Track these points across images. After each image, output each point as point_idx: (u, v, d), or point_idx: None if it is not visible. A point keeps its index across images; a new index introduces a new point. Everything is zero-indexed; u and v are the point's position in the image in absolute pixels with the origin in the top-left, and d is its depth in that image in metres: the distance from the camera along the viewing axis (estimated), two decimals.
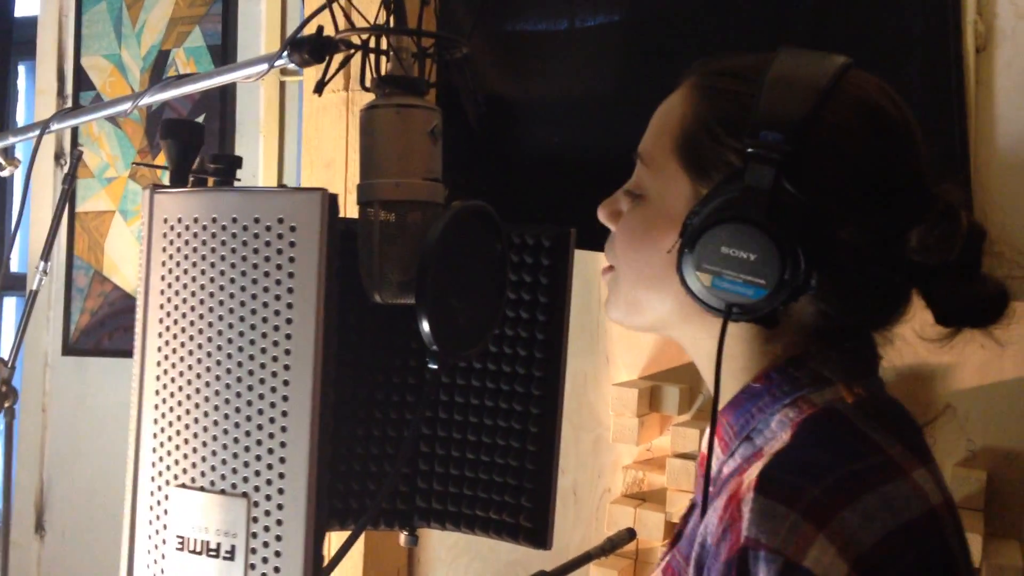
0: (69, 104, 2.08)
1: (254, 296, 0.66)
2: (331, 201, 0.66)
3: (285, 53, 0.82)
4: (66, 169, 1.97)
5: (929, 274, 0.70)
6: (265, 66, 0.84)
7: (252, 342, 0.65)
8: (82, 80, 2.05)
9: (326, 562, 0.69)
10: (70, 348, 2.06)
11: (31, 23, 2.16)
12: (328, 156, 1.61)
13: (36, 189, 2.11)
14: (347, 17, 0.81)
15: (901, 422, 0.73)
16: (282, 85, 1.87)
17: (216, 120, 1.91)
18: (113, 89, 2.04)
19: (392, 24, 0.80)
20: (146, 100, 0.89)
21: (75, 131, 2.06)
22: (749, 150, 0.66)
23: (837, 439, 0.68)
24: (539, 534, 0.93)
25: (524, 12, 1.65)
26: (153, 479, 0.68)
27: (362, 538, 1.57)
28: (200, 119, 1.92)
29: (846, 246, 0.68)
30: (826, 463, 0.65)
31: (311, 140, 1.62)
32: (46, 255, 1.25)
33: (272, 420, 0.65)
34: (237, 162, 0.83)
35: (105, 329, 2.02)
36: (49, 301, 2.09)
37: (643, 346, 1.58)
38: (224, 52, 1.91)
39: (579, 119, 1.61)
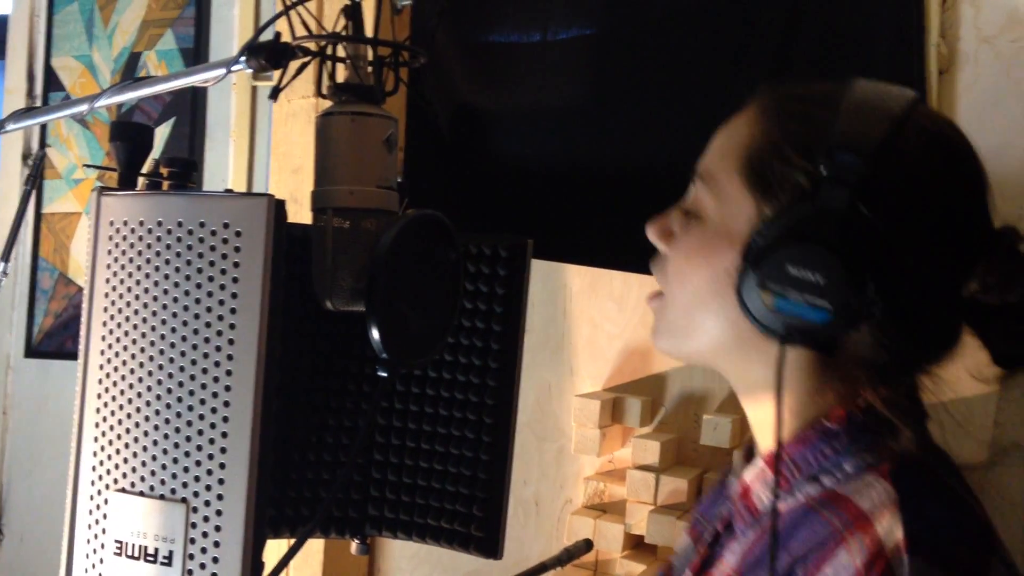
0: (39, 104, 2.06)
1: (198, 300, 0.65)
2: (278, 207, 0.66)
3: (242, 58, 0.82)
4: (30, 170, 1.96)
5: (988, 313, 0.69)
6: (223, 70, 0.84)
7: (195, 347, 0.65)
8: (52, 80, 2.04)
9: (269, 570, 0.69)
10: (33, 350, 2.04)
11: (1, 22, 2.15)
12: (296, 162, 1.61)
13: (4, 189, 2.10)
14: (304, 25, 0.81)
15: (960, 473, 0.72)
16: (254, 90, 1.86)
17: (186, 124, 1.90)
18: (83, 90, 2.03)
19: (350, 32, 0.80)
20: (103, 102, 0.89)
21: (43, 132, 2.04)
22: (823, 171, 0.65)
23: (943, 496, 0.67)
24: (490, 544, 0.93)
25: (497, 24, 1.65)
26: (93, 483, 0.68)
27: (321, 547, 1.56)
28: (170, 123, 1.91)
29: (912, 276, 0.67)
30: (954, 522, 0.65)
31: (280, 146, 1.62)
32: (6, 256, 1.24)
33: (213, 425, 0.64)
34: (192, 166, 0.82)
35: (69, 332, 2.00)
36: (12, 302, 2.07)
37: (607, 358, 1.58)
38: (196, 55, 1.90)
39: (551, 131, 1.62)
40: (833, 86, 0.72)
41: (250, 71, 0.82)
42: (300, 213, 0.83)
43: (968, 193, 0.71)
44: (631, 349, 1.57)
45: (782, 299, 0.65)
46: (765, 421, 0.76)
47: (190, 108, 1.90)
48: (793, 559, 0.65)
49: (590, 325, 1.60)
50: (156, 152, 0.93)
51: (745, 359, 0.74)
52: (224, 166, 1.89)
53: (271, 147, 1.67)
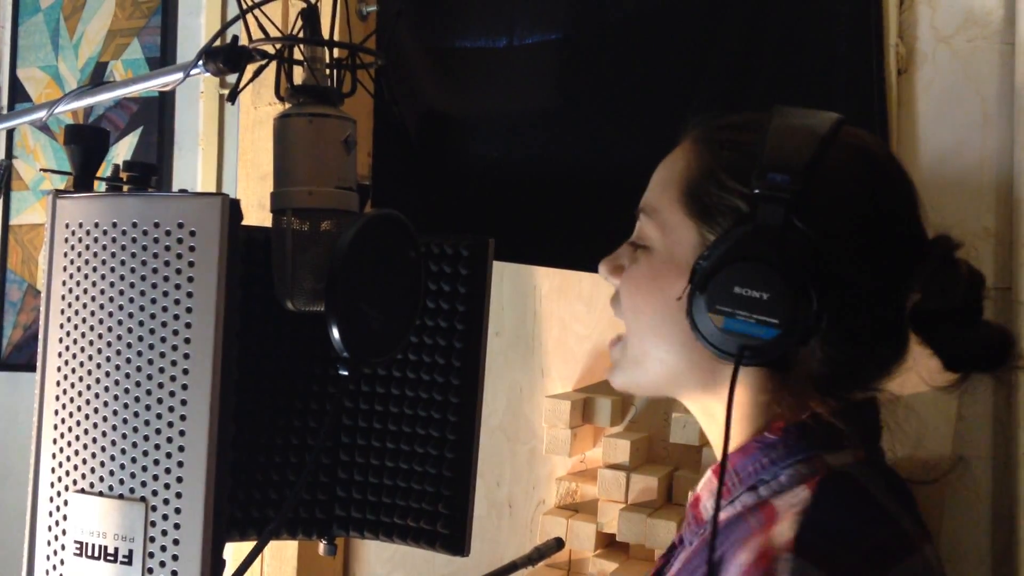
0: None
1: (154, 300, 0.66)
2: (232, 206, 0.66)
3: (200, 62, 0.82)
4: None
5: (933, 320, 0.71)
6: (181, 75, 0.85)
7: (151, 346, 0.65)
8: (17, 91, 2.03)
9: (233, 571, 0.69)
10: (2, 363, 2.03)
11: None
12: (264, 169, 1.61)
13: None
14: (261, 28, 0.82)
15: (904, 492, 0.73)
16: (221, 98, 1.86)
17: (154, 133, 1.90)
18: None
19: (307, 35, 0.81)
20: (63, 107, 0.89)
21: (9, 143, 2.03)
22: (757, 191, 0.67)
23: (859, 507, 0.68)
24: (456, 541, 0.94)
25: (464, 29, 1.66)
26: (52, 484, 0.68)
27: (295, 552, 1.56)
28: (138, 132, 1.91)
29: (853, 287, 0.69)
30: (855, 531, 0.65)
31: (247, 153, 1.62)
32: None
33: (171, 424, 0.65)
34: (152, 170, 0.83)
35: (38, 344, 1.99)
36: None
37: (578, 359, 1.59)
38: (163, 64, 1.90)
39: (518, 134, 1.63)
40: (759, 114, 0.74)
41: (213, 76, 0.83)
42: (269, 220, 0.83)
43: (896, 202, 0.74)
44: (601, 349, 1.58)
45: (731, 319, 0.67)
46: (719, 433, 0.78)
47: (157, 117, 1.90)
48: (717, 563, 0.67)
49: (560, 326, 1.61)
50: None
51: (699, 383, 0.76)
52: (193, 175, 1.89)
53: (239, 154, 1.67)
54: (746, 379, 0.72)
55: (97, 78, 1.95)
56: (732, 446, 0.75)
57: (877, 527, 0.67)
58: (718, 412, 0.76)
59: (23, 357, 2.01)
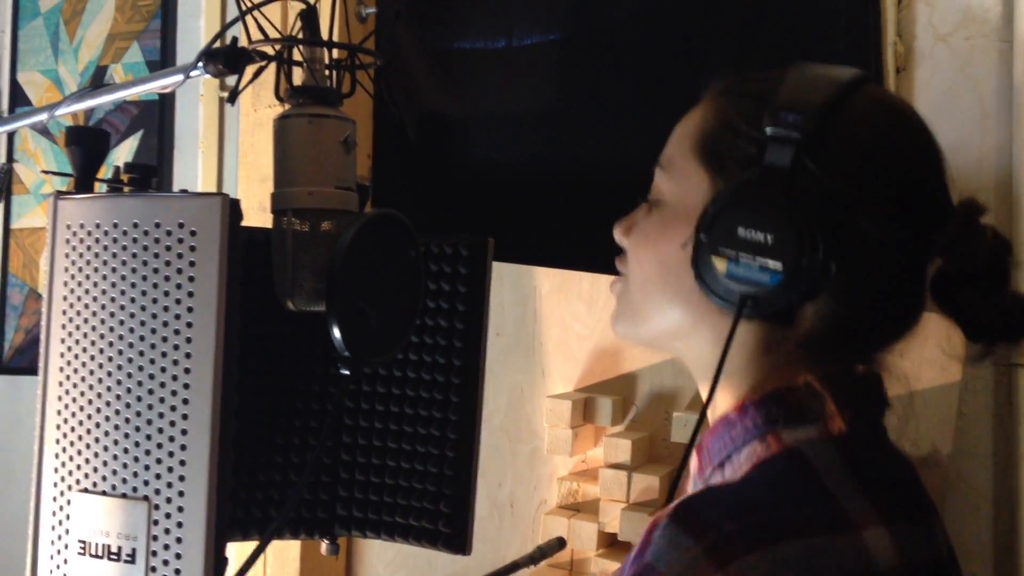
0: None
1: (155, 300, 0.66)
2: (232, 206, 0.67)
3: (200, 64, 0.83)
4: None
5: (954, 284, 0.68)
6: (181, 76, 0.85)
7: (153, 346, 0.66)
8: (18, 95, 2.04)
9: (236, 570, 0.70)
10: (3, 367, 2.03)
11: None
12: (264, 171, 1.61)
13: None
14: (261, 29, 0.82)
15: (884, 474, 0.69)
16: (221, 101, 1.86)
17: (154, 137, 1.90)
18: None
19: (306, 36, 0.81)
20: (63, 110, 0.89)
21: (10, 146, 2.04)
22: (769, 131, 0.64)
23: (786, 482, 0.64)
24: (458, 539, 0.94)
25: (463, 31, 1.67)
26: (56, 484, 0.68)
27: (297, 553, 1.56)
28: (138, 135, 1.91)
29: (866, 238, 0.65)
30: (757, 502, 0.62)
31: (247, 155, 1.62)
32: None
33: (173, 423, 0.65)
34: (152, 171, 0.83)
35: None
36: None
37: (578, 358, 1.59)
38: (163, 68, 1.90)
39: (518, 135, 1.63)
40: (779, 69, 0.71)
41: (214, 79, 0.83)
42: (270, 222, 0.84)
43: (920, 160, 0.70)
44: (601, 349, 1.58)
45: (734, 263, 0.64)
46: (714, 403, 0.75)
47: (157, 121, 1.90)
48: None
49: (560, 326, 1.61)
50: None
51: (701, 339, 0.73)
52: (193, 177, 1.89)
53: (239, 157, 1.68)
54: (747, 337, 0.69)
55: (97, 82, 1.96)
56: (723, 409, 0.72)
57: (794, 501, 0.62)
58: (712, 371, 0.72)
59: (25, 361, 2.01)
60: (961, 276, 0.67)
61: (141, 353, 0.66)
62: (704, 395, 0.76)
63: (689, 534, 0.59)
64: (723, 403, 0.73)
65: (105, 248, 0.68)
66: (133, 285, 0.67)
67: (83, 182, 0.73)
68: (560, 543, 1.24)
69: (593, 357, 1.58)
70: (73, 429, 0.68)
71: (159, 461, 0.66)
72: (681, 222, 0.71)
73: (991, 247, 0.67)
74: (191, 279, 0.66)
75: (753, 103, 0.70)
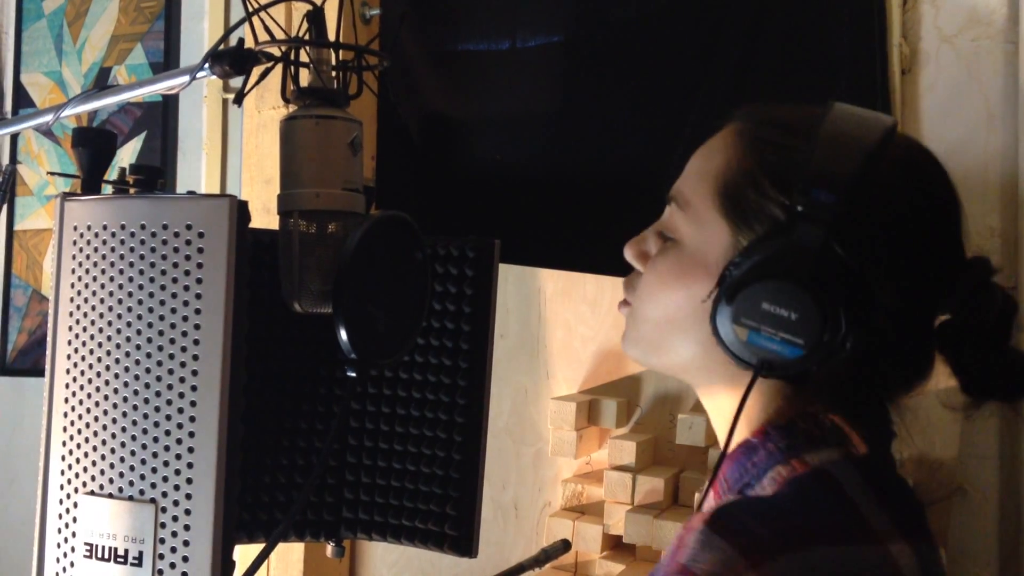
0: None
1: (163, 302, 0.66)
2: (240, 208, 0.66)
3: (206, 65, 0.82)
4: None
5: (960, 341, 0.70)
6: (187, 77, 0.85)
7: (160, 348, 0.65)
8: (21, 97, 2.04)
9: (242, 573, 0.69)
10: (7, 368, 2.03)
11: None
12: (268, 173, 1.61)
13: None
14: (267, 30, 0.82)
15: (901, 496, 0.70)
16: (224, 102, 1.87)
17: (158, 138, 1.90)
18: None
19: (313, 37, 0.81)
20: (68, 111, 0.89)
21: (13, 148, 2.04)
22: (800, 208, 0.65)
23: (815, 495, 0.66)
24: (464, 542, 0.94)
25: (467, 33, 1.67)
26: (62, 487, 0.68)
27: (301, 555, 1.56)
28: (141, 137, 1.91)
29: (885, 310, 0.67)
30: (789, 510, 0.64)
31: (251, 157, 1.62)
32: None
33: (180, 425, 0.65)
34: (158, 173, 0.83)
35: (43, 349, 1.97)
36: None
37: (582, 361, 1.59)
38: (166, 70, 1.90)
39: (522, 137, 1.63)
40: (810, 112, 0.71)
41: (219, 80, 0.83)
42: (273, 223, 0.83)
43: (942, 225, 0.72)
44: (606, 351, 1.58)
45: (755, 333, 0.65)
46: (726, 429, 0.76)
47: (161, 122, 1.90)
48: None
49: (564, 328, 1.61)
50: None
51: (713, 381, 0.75)
52: (197, 179, 1.89)
53: (243, 158, 1.67)
54: (759, 385, 0.70)
55: (101, 83, 1.96)
56: (736, 440, 0.73)
57: (823, 512, 0.64)
58: (727, 407, 0.75)
59: (28, 362, 2.01)
60: (966, 331, 0.69)
61: (149, 355, 0.66)
62: (719, 429, 0.78)
63: (723, 537, 0.60)
64: (738, 432, 0.73)
65: (112, 250, 0.68)
66: (140, 287, 0.67)
67: (90, 184, 0.73)
68: (565, 545, 1.23)
69: (597, 359, 1.58)
70: (80, 431, 0.68)
71: (166, 463, 0.65)
72: (700, 270, 0.73)
73: (1000, 308, 0.69)
74: (199, 281, 0.66)
75: (779, 158, 0.70)
